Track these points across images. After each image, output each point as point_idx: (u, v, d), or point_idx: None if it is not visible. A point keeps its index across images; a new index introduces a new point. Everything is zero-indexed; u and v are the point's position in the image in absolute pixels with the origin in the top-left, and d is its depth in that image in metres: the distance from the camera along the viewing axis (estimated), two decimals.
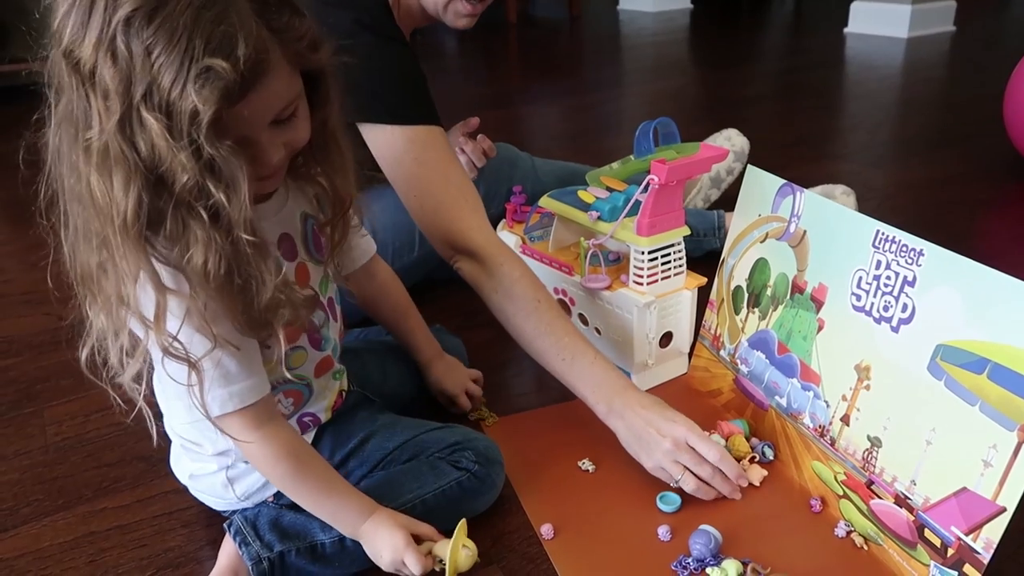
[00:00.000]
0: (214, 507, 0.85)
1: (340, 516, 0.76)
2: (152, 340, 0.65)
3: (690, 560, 0.78)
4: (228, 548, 0.78)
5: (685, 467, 0.85)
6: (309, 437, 0.84)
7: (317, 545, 0.77)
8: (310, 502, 0.75)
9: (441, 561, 0.75)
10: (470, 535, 0.78)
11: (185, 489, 0.87)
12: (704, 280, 1.07)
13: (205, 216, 0.60)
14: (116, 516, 0.89)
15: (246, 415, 0.70)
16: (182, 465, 0.85)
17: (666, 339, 1.07)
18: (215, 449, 0.79)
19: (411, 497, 0.80)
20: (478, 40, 4.14)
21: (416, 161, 1.01)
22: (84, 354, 0.68)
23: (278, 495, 0.82)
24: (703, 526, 0.80)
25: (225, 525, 0.79)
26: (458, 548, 0.74)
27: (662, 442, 0.85)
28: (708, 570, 0.77)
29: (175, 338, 0.64)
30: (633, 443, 0.88)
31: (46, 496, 0.93)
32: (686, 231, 1.03)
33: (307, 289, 0.77)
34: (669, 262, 1.03)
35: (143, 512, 0.90)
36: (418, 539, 0.76)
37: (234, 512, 0.82)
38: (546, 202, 1.13)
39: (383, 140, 1.01)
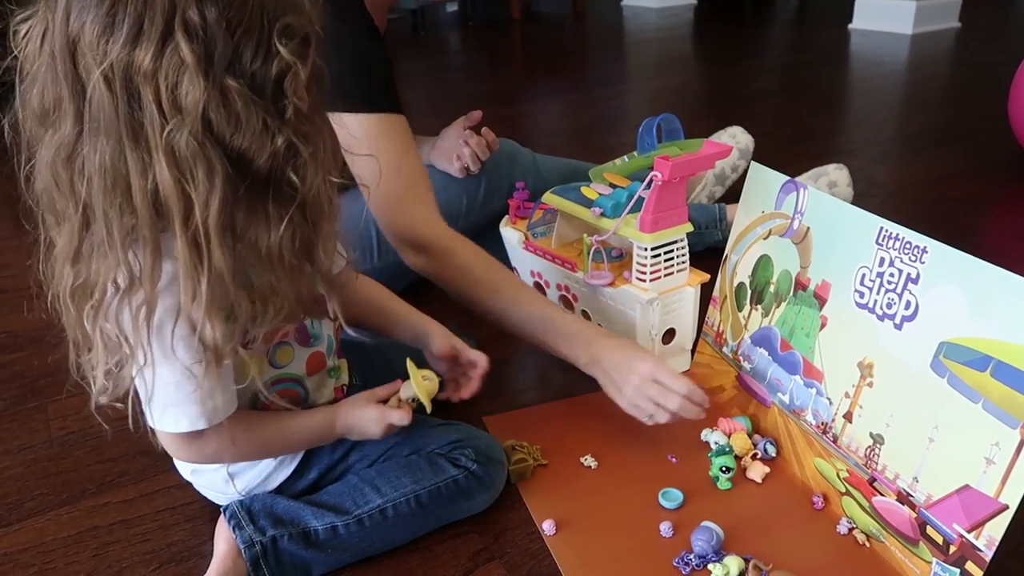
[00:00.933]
0: (217, 501, 0.85)
1: (315, 437, 0.80)
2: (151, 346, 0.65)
3: (692, 556, 0.78)
4: (224, 534, 0.79)
5: (656, 403, 0.88)
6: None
7: (310, 531, 0.77)
8: (283, 449, 0.79)
9: (413, 400, 0.80)
10: (471, 531, 0.78)
11: (189, 485, 0.87)
12: (707, 277, 1.07)
13: (293, 182, 0.61)
14: (120, 511, 0.90)
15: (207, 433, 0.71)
16: (184, 464, 0.85)
17: (669, 335, 1.07)
18: None
19: (405, 492, 0.80)
20: (481, 36, 4.14)
21: (371, 150, 0.99)
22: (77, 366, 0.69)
23: (279, 489, 0.82)
24: (705, 522, 0.80)
25: (222, 509, 0.80)
26: (420, 382, 0.79)
27: (631, 378, 0.89)
28: (710, 566, 0.77)
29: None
30: (609, 384, 0.92)
31: (50, 490, 0.94)
32: (689, 228, 1.03)
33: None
34: (672, 259, 1.03)
35: (147, 507, 0.90)
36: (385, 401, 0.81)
37: None
38: (549, 198, 1.13)
39: (340, 128, 1.00)
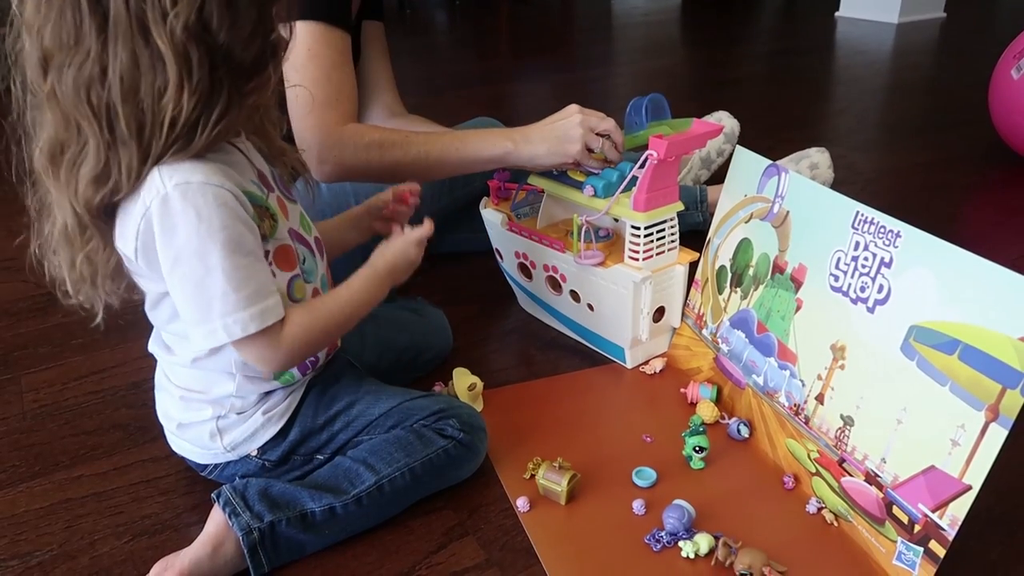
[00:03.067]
0: (196, 460, 0.85)
1: (370, 289, 0.80)
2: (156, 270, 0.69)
3: (663, 534, 0.79)
4: (216, 518, 0.77)
5: (596, 132, 1.02)
6: (304, 382, 0.85)
7: (307, 514, 0.77)
8: (349, 318, 0.79)
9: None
10: (446, 507, 0.80)
11: (166, 443, 0.88)
12: (696, 255, 1.07)
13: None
14: (93, 483, 0.89)
15: (268, 335, 0.72)
16: (171, 414, 0.84)
17: (659, 314, 1.07)
18: (218, 393, 0.80)
19: (400, 466, 0.81)
20: (469, 17, 4.10)
21: (306, 55, 1.02)
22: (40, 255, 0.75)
23: (262, 449, 0.83)
24: (677, 501, 0.81)
25: (213, 495, 0.78)
26: (466, 392, 0.96)
27: (571, 123, 1.02)
28: (681, 543, 0.78)
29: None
30: (556, 146, 1.03)
31: (23, 463, 0.93)
32: (680, 207, 1.03)
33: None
34: (663, 237, 1.03)
35: (120, 480, 0.90)
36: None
37: (216, 466, 0.84)
38: (536, 179, 1.13)
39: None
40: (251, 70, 0.68)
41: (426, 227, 0.84)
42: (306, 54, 1.02)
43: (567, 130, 1.03)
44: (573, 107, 1.05)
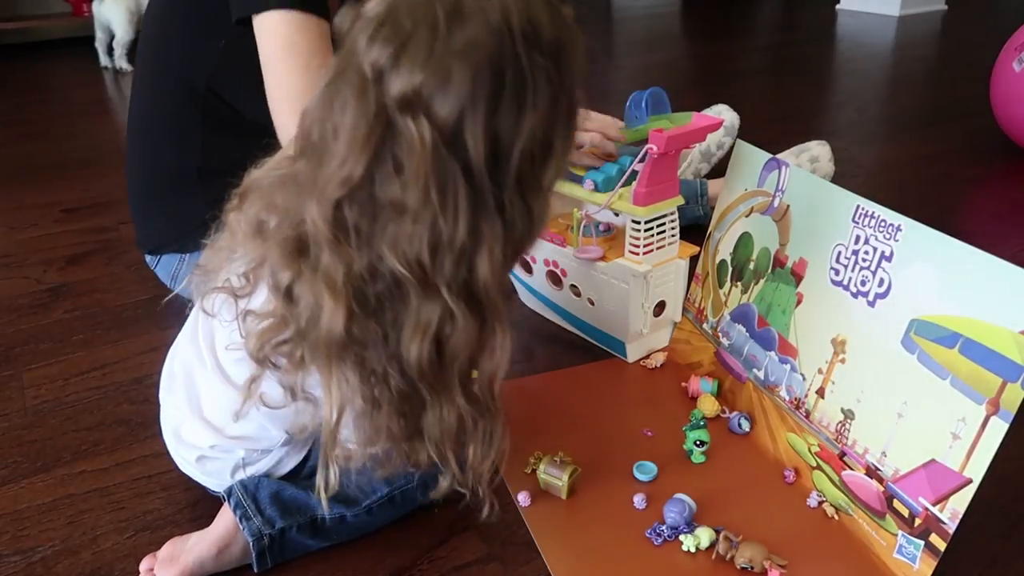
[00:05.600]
0: (211, 488, 0.82)
1: None
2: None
3: (664, 528, 0.79)
4: (226, 517, 0.76)
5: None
6: None
7: (318, 520, 0.77)
8: None
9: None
10: (447, 501, 0.80)
11: (168, 460, 0.85)
12: (696, 249, 1.07)
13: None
14: (95, 479, 0.90)
15: None
16: (192, 445, 0.79)
17: (659, 308, 1.07)
18: (266, 443, 0.78)
19: (412, 478, 0.79)
20: None
21: (283, 44, 0.98)
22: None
23: (285, 477, 0.80)
24: (678, 495, 0.81)
25: (223, 493, 0.77)
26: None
27: None
28: (681, 537, 0.78)
29: None
30: None
31: (24, 458, 0.93)
32: (680, 201, 1.03)
33: None
34: (664, 231, 1.03)
35: (122, 475, 0.90)
36: None
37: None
38: None
39: (260, 30, 0.98)
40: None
41: None
42: (283, 43, 0.99)
43: None
44: None
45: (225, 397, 0.74)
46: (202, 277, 0.70)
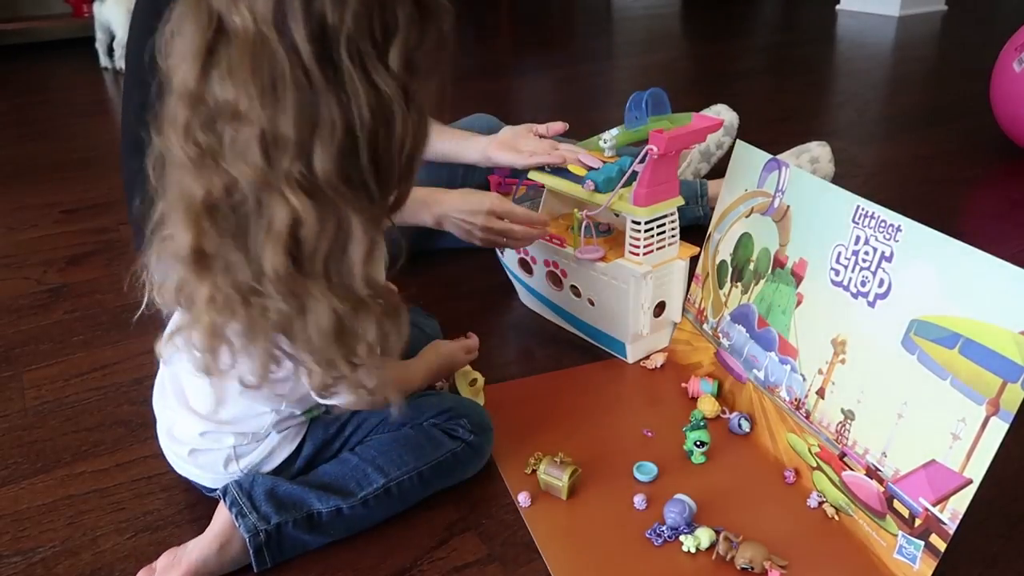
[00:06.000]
0: (207, 484, 0.81)
1: (430, 373, 0.91)
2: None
3: (664, 528, 0.79)
4: (222, 515, 0.77)
5: (505, 237, 1.04)
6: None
7: (314, 514, 0.77)
8: (407, 388, 0.85)
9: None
10: (447, 501, 0.81)
11: (167, 463, 0.84)
12: (697, 250, 1.07)
13: None
14: (95, 479, 0.90)
15: None
16: (184, 439, 0.80)
17: (660, 308, 1.07)
18: (254, 425, 0.78)
19: (408, 469, 0.81)
20: (469, 10, 4.08)
21: None
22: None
23: (278, 470, 0.81)
24: (678, 495, 0.81)
25: (219, 492, 0.78)
26: (467, 388, 0.98)
27: (476, 219, 1.03)
28: (682, 538, 0.78)
29: None
30: (461, 232, 1.06)
31: (25, 459, 0.93)
32: (680, 201, 1.03)
33: None
34: (664, 232, 1.03)
35: (122, 476, 0.90)
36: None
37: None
38: (535, 175, 1.13)
39: None
40: (429, 78, 0.64)
41: (474, 341, 0.96)
42: None
43: (481, 227, 1.04)
44: (487, 202, 1.03)
45: (205, 382, 0.71)
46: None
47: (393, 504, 0.81)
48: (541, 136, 1.22)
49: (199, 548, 0.75)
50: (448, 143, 1.23)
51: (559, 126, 1.21)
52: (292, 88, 0.56)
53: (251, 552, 0.75)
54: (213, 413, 0.76)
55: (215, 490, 0.80)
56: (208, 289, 0.61)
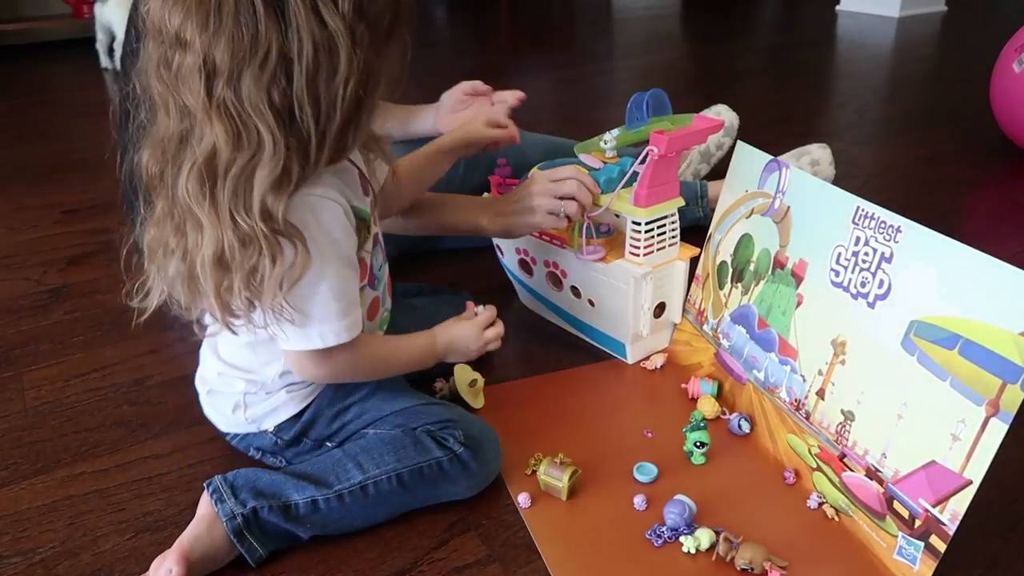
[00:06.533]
0: (220, 427, 0.89)
1: (421, 356, 0.87)
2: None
3: (664, 529, 0.79)
4: (206, 501, 0.79)
5: (560, 196, 0.99)
6: None
7: (291, 505, 0.77)
8: (393, 369, 0.86)
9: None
10: (448, 501, 0.79)
11: (199, 410, 0.90)
12: (697, 251, 1.07)
13: None
14: (95, 480, 0.90)
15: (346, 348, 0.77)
16: (207, 379, 0.88)
17: (660, 309, 1.07)
18: (264, 375, 0.83)
19: (387, 469, 0.80)
20: (468, 11, 4.09)
21: None
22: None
23: (278, 427, 0.86)
24: (678, 496, 0.81)
25: (205, 484, 0.79)
26: (467, 389, 0.97)
27: (532, 188, 1.01)
28: (682, 539, 0.78)
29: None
30: (521, 218, 1.02)
31: (25, 459, 0.93)
32: (681, 202, 1.03)
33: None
34: (664, 233, 1.03)
35: (122, 476, 0.90)
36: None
37: (236, 435, 0.88)
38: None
39: None
40: (386, 36, 0.71)
41: (498, 327, 0.91)
42: None
43: (527, 203, 1.03)
44: (537, 176, 1.03)
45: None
46: None
47: (371, 505, 0.80)
48: (479, 94, 1.27)
49: (188, 532, 0.76)
50: (392, 123, 1.22)
51: (512, 95, 1.28)
52: (232, 15, 0.61)
53: (232, 537, 0.76)
54: (228, 355, 0.84)
55: (228, 434, 0.89)
56: (159, 213, 0.70)
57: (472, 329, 0.90)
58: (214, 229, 0.66)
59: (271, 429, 0.86)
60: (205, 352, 0.89)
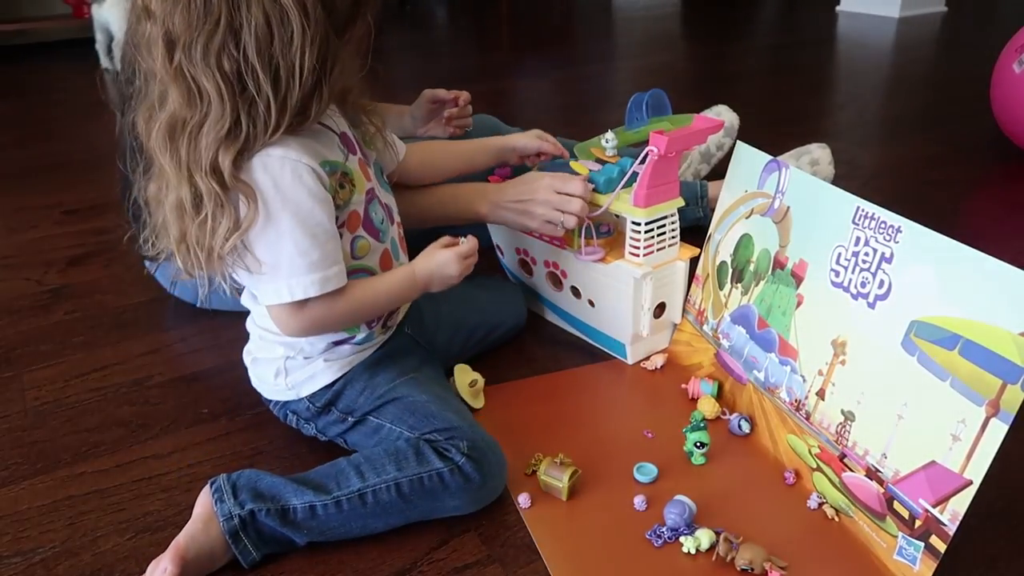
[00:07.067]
0: (264, 394, 0.94)
1: (402, 290, 0.86)
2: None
3: (664, 529, 0.79)
4: (204, 499, 0.79)
5: (563, 211, 1.00)
6: (375, 345, 0.91)
7: (289, 509, 0.77)
8: (374, 309, 0.86)
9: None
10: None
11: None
12: (697, 251, 1.07)
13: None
14: (95, 480, 0.90)
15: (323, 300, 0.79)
16: (251, 349, 0.93)
17: (660, 309, 1.07)
18: (300, 343, 0.87)
19: (387, 479, 0.79)
20: (468, 12, 4.09)
21: None
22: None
23: (314, 396, 0.89)
24: (678, 496, 0.81)
25: (208, 482, 0.79)
26: (467, 389, 0.98)
27: (536, 196, 1.01)
28: (682, 539, 0.78)
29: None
30: (519, 219, 1.04)
31: (24, 460, 0.93)
32: (681, 202, 1.03)
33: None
34: (664, 233, 1.03)
35: (122, 477, 0.90)
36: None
37: (277, 403, 0.93)
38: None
39: None
40: (348, 18, 0.75)
41: (470, 243, 0.87)
42: None
43: (528, 206, 1.03)
44: (544, 182, 1.02)
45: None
46: None
47: (370, 514, 0.79)
48: (439, 100, 1.27)
49: (185, 531, 0.76)
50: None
51: (465, 95, 1.29)
52: None
53: (228, 538, 0.76)
54: (259, 317, 0.88)
55: (271, 401, 0.93)
56: (155, 169, 0.77)
57: (451, 254, 0.86)
58: (176, 180, 0.74)
59: (306, 395, 0.89)
60: (248, 323, 0.92)
